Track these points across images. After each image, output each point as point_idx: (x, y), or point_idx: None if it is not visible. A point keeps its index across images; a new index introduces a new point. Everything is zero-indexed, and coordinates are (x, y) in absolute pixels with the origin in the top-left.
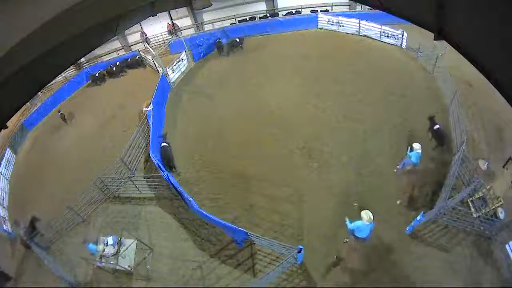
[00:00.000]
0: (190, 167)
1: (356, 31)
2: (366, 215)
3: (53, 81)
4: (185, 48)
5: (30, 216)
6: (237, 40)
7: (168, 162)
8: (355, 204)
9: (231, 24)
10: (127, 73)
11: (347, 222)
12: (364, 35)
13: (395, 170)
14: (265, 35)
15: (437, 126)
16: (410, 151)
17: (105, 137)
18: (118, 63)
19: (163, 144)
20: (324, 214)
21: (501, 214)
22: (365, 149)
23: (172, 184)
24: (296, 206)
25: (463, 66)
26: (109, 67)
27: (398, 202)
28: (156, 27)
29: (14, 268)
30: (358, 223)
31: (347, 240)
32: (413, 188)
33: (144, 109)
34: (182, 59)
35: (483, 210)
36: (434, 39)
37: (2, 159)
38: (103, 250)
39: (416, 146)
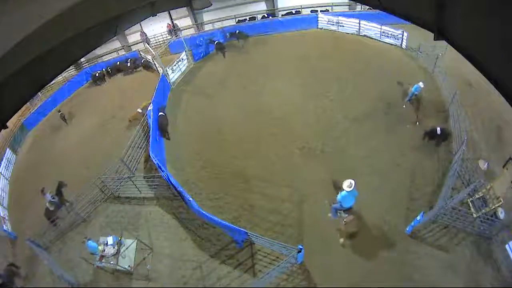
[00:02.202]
0: (190, 167)
1: (356, 31)
2: (347, 182)
3: (53, 81)
4: (185, 48)
5: (57, 181)
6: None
7: (163, 129)
8: (326, 201)
9: (237, 22)
10: (128, 74)
11: (338, 197)
12: (364, 35)
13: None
14: (265, 35)
15: (438, 130)
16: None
17: (105, 137)
18: (118, 62)
19: (160, 113)
20: (324, 214)
21: (501, 214)
22: (365, 149)
23: (172, 184)
24: (296, 206)
25: (463, 66)
26: (109, 68)
27: (408, 125)
28: (156, 27)
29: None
30: (342, 193)
31: (345, 221)
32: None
33: (139, 110)
34: (182, 59)
35: (483, 210)
36: (434, 39)
37: (2, 159)
38: (103, 250)
39: (421, 84)
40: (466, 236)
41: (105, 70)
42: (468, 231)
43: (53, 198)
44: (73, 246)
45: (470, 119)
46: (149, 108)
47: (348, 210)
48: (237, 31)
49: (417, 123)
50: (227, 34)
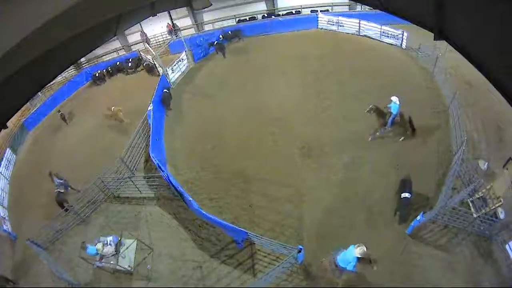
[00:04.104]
0: (190, 167)
1: (356, 31)
2: (360, 249)
3: (53, 81)
4: (185, 48)
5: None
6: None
7: (166, 104)
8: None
9: (237, 22)
10: (129, 74)
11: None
12: (364, 35)
13: (369, 139)
14: (265, 35)
15: (407, 194)
16: (389, 104)
17: (105, 137)
18: (119, 62)
19: (165, 90)
20: (324, 214)
21: (501, 214)
22: (365, 149)
23: (172, 184)
24: (296, 206)
25: (463, 66)
26: (109, 68)
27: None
28: (156, 27)
29: (14, 269)
30: (349, 249)
31: (323, 260)
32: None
33: (113, 108)
34: (182, 59)
35: (483, 210)
36: (434, 39)
37: (2, 159)
38: (103, 250)
39: (394, 98)
40: (466, 236)
41: (105, 70)
42: (468, 231)
43: (61, 180)
44: (73, 246)
45: (470, 119)
46: (149, 108)
47: (336, 266)
48: (229, 32)
49: (371, 137)
50: (220, 36)
